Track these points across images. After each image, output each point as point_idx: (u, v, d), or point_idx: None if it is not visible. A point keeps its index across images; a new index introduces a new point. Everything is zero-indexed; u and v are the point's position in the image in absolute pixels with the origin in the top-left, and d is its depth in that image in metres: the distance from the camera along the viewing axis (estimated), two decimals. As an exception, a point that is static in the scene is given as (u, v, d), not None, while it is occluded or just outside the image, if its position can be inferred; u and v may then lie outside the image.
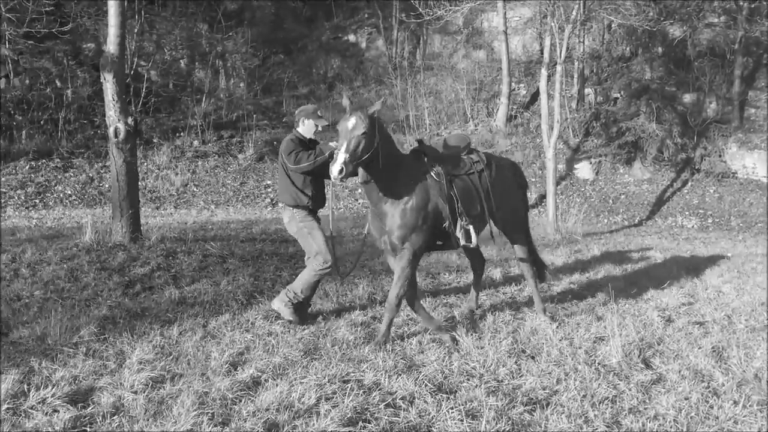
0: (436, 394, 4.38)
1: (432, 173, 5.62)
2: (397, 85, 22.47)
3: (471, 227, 5.65)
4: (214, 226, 12.20)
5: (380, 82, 23.62)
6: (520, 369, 4.95)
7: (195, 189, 17.02)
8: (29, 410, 4.00)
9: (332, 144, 5.78)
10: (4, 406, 4.01)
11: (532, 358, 5.23)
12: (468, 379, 4.70)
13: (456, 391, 4.47)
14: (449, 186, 5.65)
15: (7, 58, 18.40)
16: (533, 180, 18.36)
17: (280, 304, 6.05)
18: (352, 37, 25.96)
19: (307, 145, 6.25)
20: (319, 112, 6.36)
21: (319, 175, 6.14)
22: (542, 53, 18.30)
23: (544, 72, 14.34)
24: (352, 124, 5.15)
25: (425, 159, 5.73)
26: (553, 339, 5.62)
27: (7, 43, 18.07)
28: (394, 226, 5.41)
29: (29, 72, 18.85)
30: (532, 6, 21.95)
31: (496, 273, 8.64)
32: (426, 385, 4.51)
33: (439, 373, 4.80)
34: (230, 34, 22.32)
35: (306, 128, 6.29)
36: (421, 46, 25.10)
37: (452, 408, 4.14)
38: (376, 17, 25.15)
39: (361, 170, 5.30)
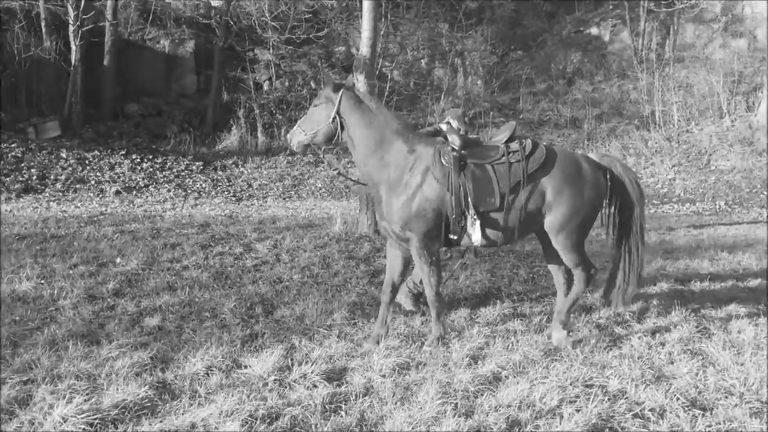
0: (689, 410, 4.09)
1: (443, 158, 5.11)
2: (643, 78, 21.21)
3: (478, 222, 5.08)
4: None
5: (623, 76, 22.49)
6: (788, 392, 4.45)
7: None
8: (292, 383, 4.41)
9: None
10: (272, 377, 4.47)
11: (804, 381, 4.67)
12: (726, 397, 4.33)
13: (712, 409, 4.14)
14: (458, 173, 5.05)
15: (271, 62, 20.41)
16: (801, 182, 16.33)
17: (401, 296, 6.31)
18: (594, 30, 24.97)
19: None
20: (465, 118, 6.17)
21: None
22: (818, 39, 16.19)
23: (821, 60, 12.67)
24: (315, 101, 5.34)
25: (437, 143, 5.27)
26: (831, 362, 4.97)
27: (271, 48, 20.06)
28: (392, 214, 5.15)
29: (288, 75, 20.75)
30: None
31: (756, 282, 7.82)
32: (677, 399, 4.23)
33: (692, 387, 4.48)
34: (469, 32, 22.65)
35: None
36: (671, 36, 23.42)
37: (709, 426, 3.85)
38: (621, 8, 23.94)
39: None
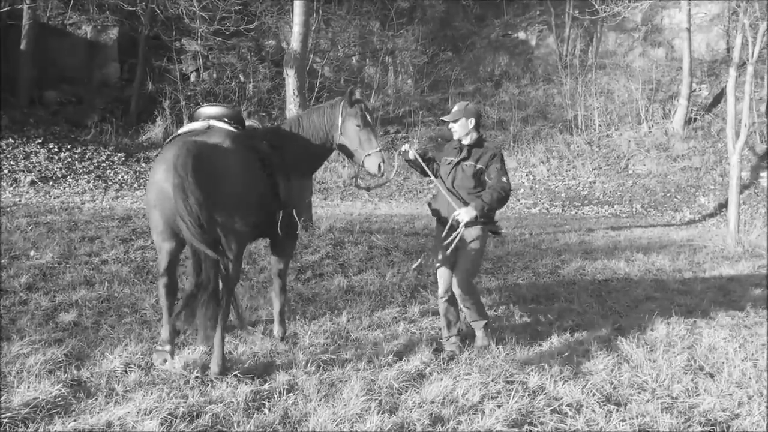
0: (605, 405, 4.24)
1: None
2: (567, 83, 21.83)
3: None
4: (378, 219, 12.54)
5: (548, 81, 23.07)
6: (696, 387, 4.67)
7: (360, 182, 17.51)
8: (215, 380, 4.33)
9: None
10: (194, 375, 4.37)
11: (711, 376, 4.91)
12: (639, 393, 4.51)
13: (626, 404, 4.30)
14: None
15: (198, 53, 19.94)
16: (712, 187, 17.12)
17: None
18: (521, 35, 25.53)
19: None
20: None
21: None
22: (729, 52, 17.01)
23: (732, 72, 13.31)
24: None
25: None
26: (735, 359, 5.24)
27: (199, 39, 19.60)
28: None
29: (216, 67, 20.32)
30: (720, 1, 20.46)
31: (671, 284, 8.18)
32: (594, 395, 4.37)
33: (607, 383, 4.64)
34: (401, 31, 22.76)
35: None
36: (594, 43, 24.19)
37: (623, 420, 3.99)
38: (548, 14, 24.56)
39: None
